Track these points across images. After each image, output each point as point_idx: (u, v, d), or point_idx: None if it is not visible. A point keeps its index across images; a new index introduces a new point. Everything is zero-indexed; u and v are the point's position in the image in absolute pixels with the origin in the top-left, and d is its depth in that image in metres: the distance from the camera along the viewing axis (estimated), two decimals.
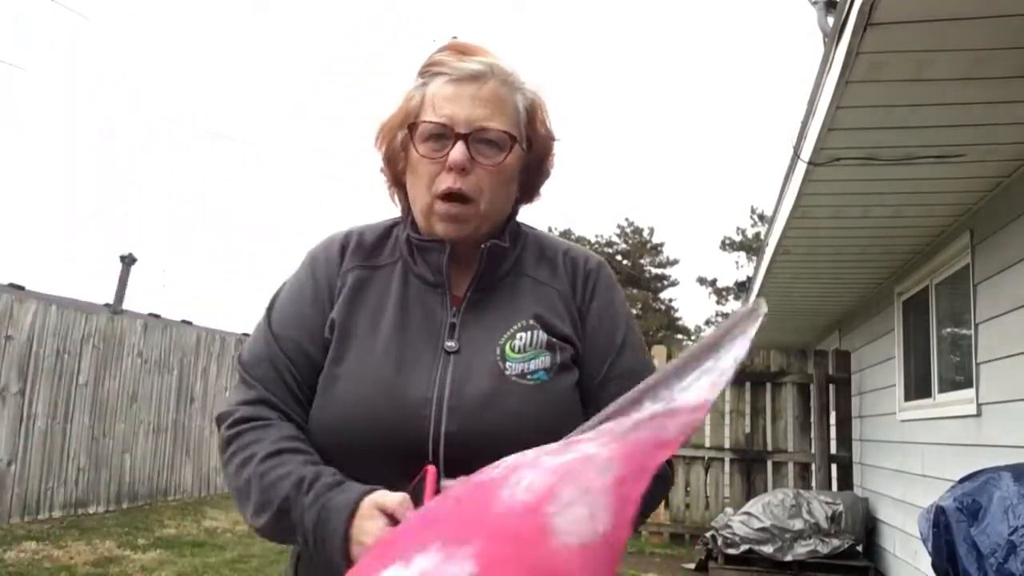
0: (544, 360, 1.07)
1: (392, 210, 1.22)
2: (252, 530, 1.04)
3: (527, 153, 1.13)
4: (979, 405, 3.91)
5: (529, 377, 1.05)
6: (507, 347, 1.07)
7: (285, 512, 0.96)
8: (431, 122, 1.05)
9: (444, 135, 1.05)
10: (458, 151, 1.04)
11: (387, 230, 1.19)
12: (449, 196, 1.06)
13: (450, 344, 1.07)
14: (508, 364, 1.05)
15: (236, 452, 1.04)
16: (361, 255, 1.15)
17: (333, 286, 1.13)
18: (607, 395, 1.03)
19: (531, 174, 1.16)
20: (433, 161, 1.06)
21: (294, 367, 1.08)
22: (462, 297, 1.11)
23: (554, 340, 1.09)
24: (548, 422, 1.00)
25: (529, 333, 1.08)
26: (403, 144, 1.10)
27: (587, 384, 1.11)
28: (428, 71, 1.09)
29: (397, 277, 1.13)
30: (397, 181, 1.15)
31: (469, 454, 0.92)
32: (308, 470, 0.98)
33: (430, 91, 1.07)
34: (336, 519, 0.91)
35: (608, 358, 1.12)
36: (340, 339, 1.08)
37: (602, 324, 1.14)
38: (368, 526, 0.89)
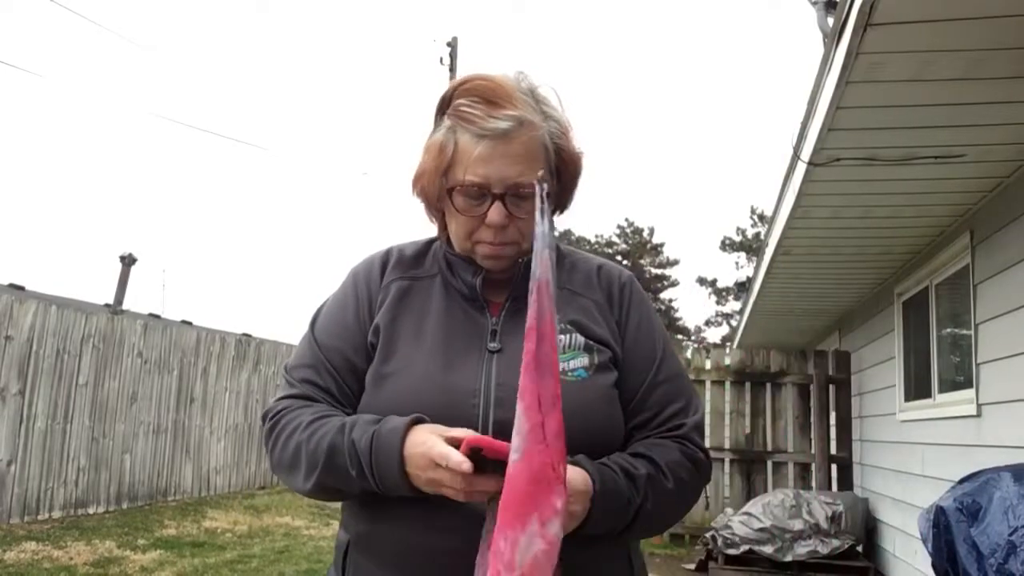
0: (583, 360, 1.13)
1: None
2: (305, 495, 1.11)
3: (558, 182, 1.18)
4: (979, 405, 3.91)
5: (570, 374, 1.11)
6: None
7: (333, 456, 1.03)
8: (467, 184, 1.10)
9: (481, 194, 1.10)
10: (496, 212, 1.10)
11: (426, 245, 1.27)
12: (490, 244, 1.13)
13: (493, 345, 1.13)
14: None
15: (279, 433, 1.12)
16: (402, 268, 1.23)
17: (374, 298, 1.20)
18: (655, 400, 1.17)
19: (563, 193, 1.22)
20: (472, 217, 1.12)
21: (337, 372, 1.16)
22: (501, 306, 1.17)
23: (591, 342, 1.15)
24: (591, 415, 1.09)
25: (567, 336, 1.14)
26: (440, 191, 1.15)
27: (633, 390, 1.17)
28: (457, 120, 1.11)
29: (438, 287, 1.20)
30: (435, 209, 1.20)
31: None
32: (349, 418, 1.07)
33: (461, 145, 1.11)
34: (391, 437, 0.99)
35: (653, 365, 1.19)
36: (386, 342, 1.15)
37: (642, 334, 1.21)
38: (418, 436, 0.97)
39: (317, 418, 1.09)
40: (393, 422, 1.02)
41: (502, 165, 1.08)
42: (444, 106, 1.14)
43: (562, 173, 1.18)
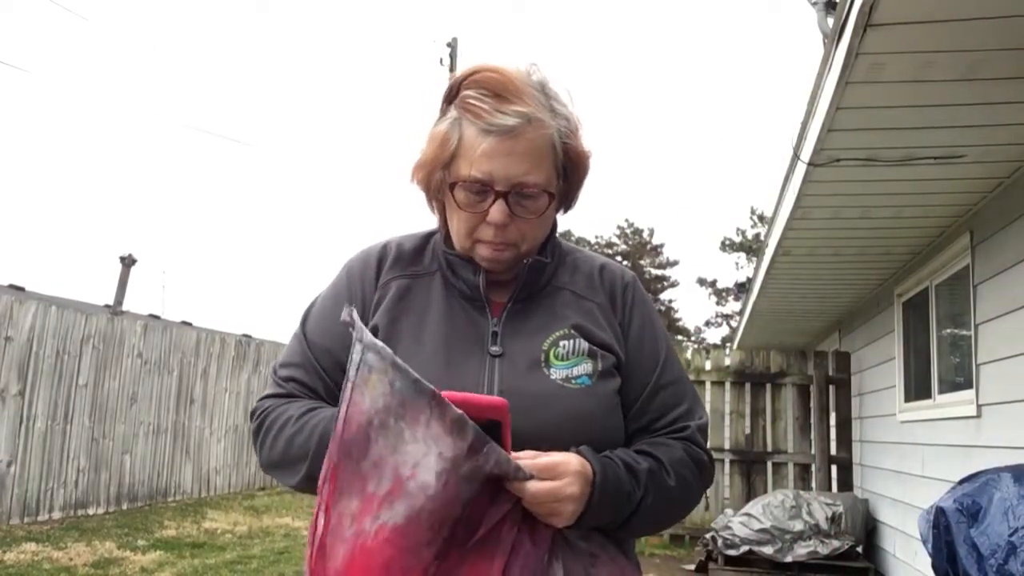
0: (587, 366, 1.11)
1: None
2: (298, 490, 1.10)
3: (565, 181, 1.15)
4: (979, 406, 3.91)
5: (574, 381, 1.09)
6: (551, 354, 1.10)
7: (326, 446, 0.96)
8: (470, 180, 1.07)
9: (484, 191, 1.07)
10: (498, 211, 1.07)
11: (425, 239, 1.23)
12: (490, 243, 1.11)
13: (495, 349, 1.10)
14: (552, 370, 1.09)
15: (268, 429, 1.10)
16: (401, 265, 1.19)
17: (369, 298, 1.16)
18: (658, 404, 1.15)
19: (569, 192, 1.18)
20: (474, 214, 1.09)
21: (326, 373, 1.13)
22: (502, 307, 1.14)
23: (595, 348, 1.13)
24: (592, 423, 1.07)
25: (571, 341, 1.12)
26: (441, 183, 1.12)
27: (636, 394, 1.15)
28: (463, 112, 1.07)
29: (437, 286, 1.16)
30: (436, 200, 1.17)
31: (522, 450, 0.97)
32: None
33: (466, 139, 1.07)
34: None
35: (655, 370, 1.17)
36: (385, 343, 1.10)
37: (645, 338, 1.19)
38: None
39: (307, 411, 1.07)
40: None
41: (507, 163, 1.05)
42: (451, 95, 1.10)
43: (569, 172, 1.14)
